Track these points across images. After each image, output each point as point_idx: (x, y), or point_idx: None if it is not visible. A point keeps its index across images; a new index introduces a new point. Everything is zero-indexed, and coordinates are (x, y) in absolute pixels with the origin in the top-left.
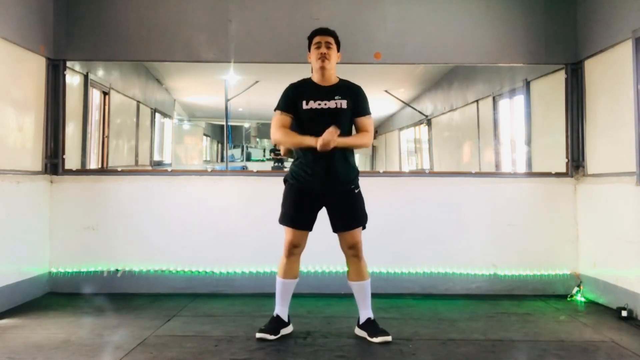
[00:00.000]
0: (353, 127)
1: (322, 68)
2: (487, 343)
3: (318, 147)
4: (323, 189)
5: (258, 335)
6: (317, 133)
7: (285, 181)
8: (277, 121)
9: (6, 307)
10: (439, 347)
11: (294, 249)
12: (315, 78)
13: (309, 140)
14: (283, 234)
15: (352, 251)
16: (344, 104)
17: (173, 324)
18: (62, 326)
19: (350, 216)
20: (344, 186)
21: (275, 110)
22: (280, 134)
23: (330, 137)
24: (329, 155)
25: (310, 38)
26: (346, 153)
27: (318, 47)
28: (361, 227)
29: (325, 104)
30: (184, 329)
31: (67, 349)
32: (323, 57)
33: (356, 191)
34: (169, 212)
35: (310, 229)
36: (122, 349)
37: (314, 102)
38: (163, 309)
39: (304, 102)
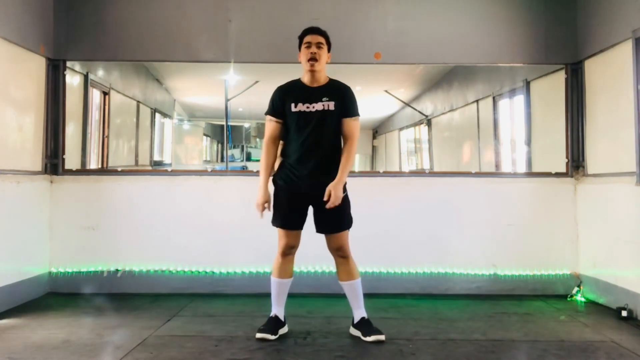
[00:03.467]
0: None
1: (312, 70)
2: (487, 343)
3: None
4: (309, 191)
5: (258, 335)
6: (306, 135)
7: (274, 182)
8: (267, 129)
9: (6, 307)
10: (439, 347)
11: (290, 250)
12: (305, 79)
13: (260, 183)
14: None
15: (339, 252)
16: (331, 105)
17: (173, 324)
18: (62, 326)
19: (334, 220)
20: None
21: (265, 114)
22: (263, 150)
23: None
24: (314, 157)
25: (301, 37)
26: (333, 155)
27: (308, 47)
28: (347, 230)
29: (313, 107)
30: (184, 329)
31: (67, 349)
32: (313, 58)
33: (343, 195)
34: (169, 212)
35: (301, 227)
36: (122, 349)
37: (302, 104)
38: (163, 309)
39: (292, 105)
